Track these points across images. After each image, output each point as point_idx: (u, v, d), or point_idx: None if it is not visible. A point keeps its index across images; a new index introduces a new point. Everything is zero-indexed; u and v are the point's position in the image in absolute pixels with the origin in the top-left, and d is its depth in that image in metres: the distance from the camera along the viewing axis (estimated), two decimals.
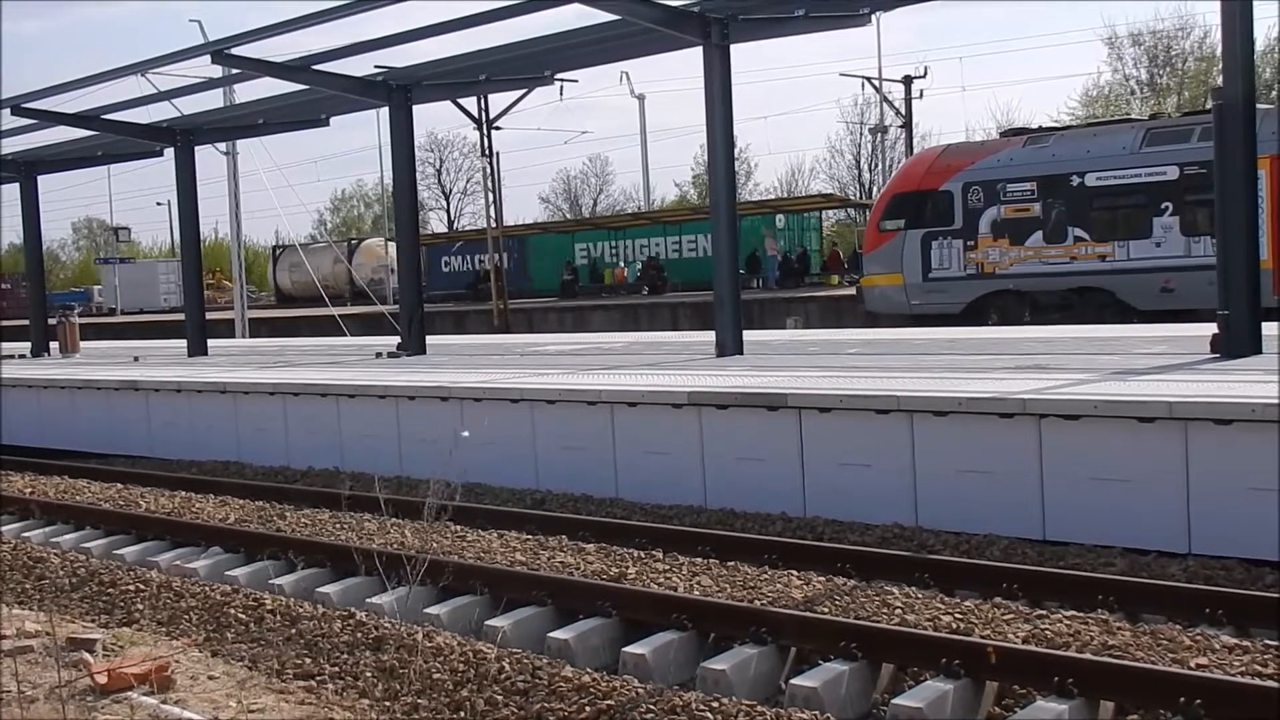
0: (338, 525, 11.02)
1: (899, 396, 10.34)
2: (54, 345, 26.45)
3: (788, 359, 14.83)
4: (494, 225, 40.90)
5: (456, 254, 54.78)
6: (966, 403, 9.93)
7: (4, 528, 12.33)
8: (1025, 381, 10.79)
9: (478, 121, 38.97)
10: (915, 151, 46.55)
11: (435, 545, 9.84)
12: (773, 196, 66.95)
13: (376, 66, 19.00)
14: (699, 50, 15.39)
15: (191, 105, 23.10)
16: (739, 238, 16.39)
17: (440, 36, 16.77)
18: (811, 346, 16.99)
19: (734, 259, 15.92)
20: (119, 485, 14.22)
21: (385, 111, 19.48)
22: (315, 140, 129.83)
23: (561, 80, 25.49)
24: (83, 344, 26.92)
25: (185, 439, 16.78)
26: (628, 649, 7.24)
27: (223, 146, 36.01)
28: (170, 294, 67.14)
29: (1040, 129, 27.48)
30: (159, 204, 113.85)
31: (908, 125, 52.90)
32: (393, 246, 62.71)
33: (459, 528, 10.40)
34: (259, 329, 41.54)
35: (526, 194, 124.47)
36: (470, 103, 37.76)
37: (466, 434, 11.51)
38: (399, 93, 18.94)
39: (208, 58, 18.64)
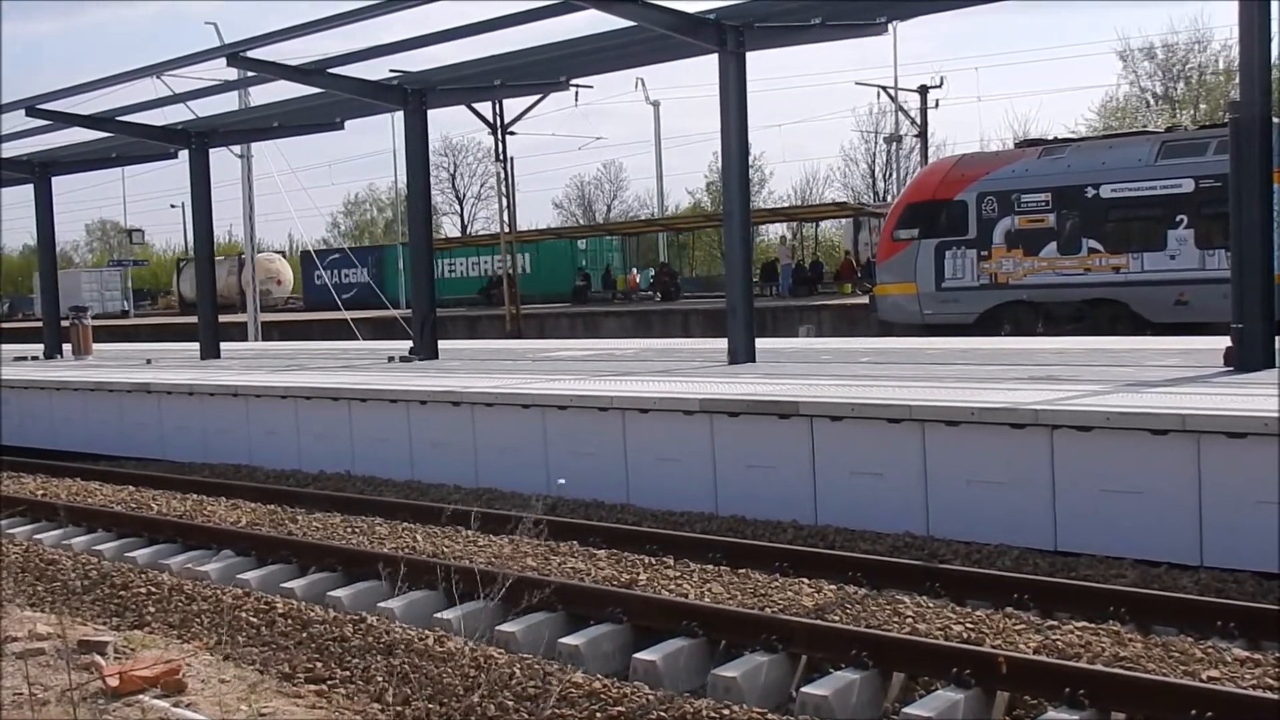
0: (349, 529, 11.04)
1: (911, 406, 10.33)
2: (67, 347, 26.53)
3: (800, 367, 14.82)
4: (507, 230, 40.93)
5: (329, 267, 56.67)
6: (979, 413, 9.92)
7: (16, 529, 12.37)
8: (1038, 392, 10.78)
9: (492, 126, 39.01)
10: (930, 161, 46.52)
11: (446, 550, 9.87)
12: (786, 204, 66.93)
13: (392, 70, 19.06)
14: (715, 57, 15.41)
15: (206, 108, 23.19)
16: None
17: (456, 41, 16.81)
18: (824, 355, 16.97)
19: (747, 267, 15.95)
20: (131, 488, 14.26)
21: (400, 116, 19.53)
22: (329, 144, 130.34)
23: (576, 86, 25.57)
24: (95, 346, 26.98)
25: (197, 442, 16.82)
26: (638, 655, 7.24)
27: (237, 149, 36.08)
28: (93, 302, 69.37)
29: (1056, 140, 27.43)
30: (173, 206, 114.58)
31: (923, 135, 52.94)
32: (279, 259, 67.69)
33: (470, 532, 10.41)
34: (270, 333, 41.64)
35: (540, 199, 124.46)
36: (485, 108, 37.80)
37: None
38: (414, 97, 18.98)
39: (223, 60, 18.67)
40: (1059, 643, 6.89)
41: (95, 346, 26.85)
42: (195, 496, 13.34)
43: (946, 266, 25.99)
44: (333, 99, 19.81)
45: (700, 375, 14.27)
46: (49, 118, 21.88)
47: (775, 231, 59.76)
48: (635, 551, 9.61)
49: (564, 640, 7.61)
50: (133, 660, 6.84)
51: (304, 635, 7.73)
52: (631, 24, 15.47)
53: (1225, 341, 12.13)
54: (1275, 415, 8.57)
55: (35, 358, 26.41)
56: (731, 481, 11.43)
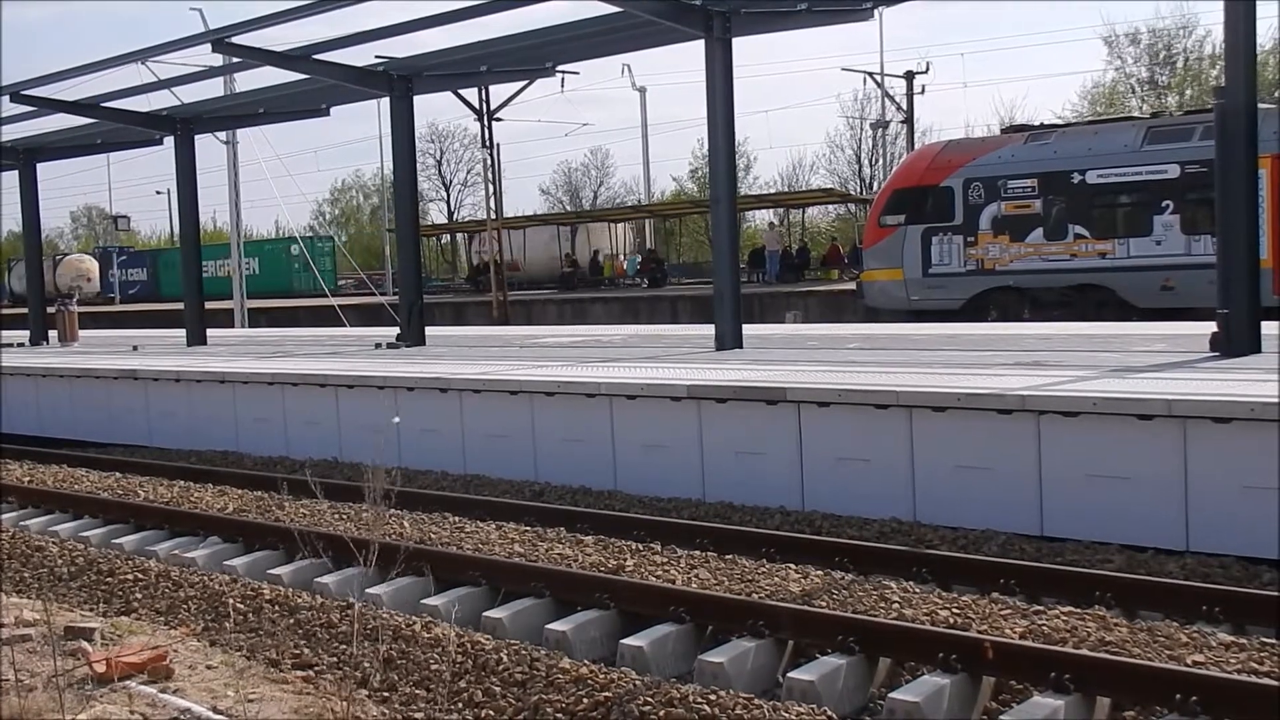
0: (336, 516, 11.03)
1: (898, 392, 10.34)
2: (53, 334, 26.45)
3: (787, 353, 14.83)
4: (494, 217, 40.87)
5: (120, 267, 57.97)
6: (965, 398, 9.93)
7: (3, 516, 12.33)
8: (1024, 378, 10.80)
9: (479, 112, 38.90)
10: (916, 147, 46.51)
11: (433, 536, 9.87)
12: (773, 191, 66.88)
13: (377, 56, 18.98)
14: (701, 43, 15.38)
15: (192, 94, 23.15)
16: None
17: (442, 27, 16.77)
18: (811, 341, 16.99)
19: (735, 253, 15.93)
20: (117, 474, 14.23)
21: (386, 102, 19.47)
22: (315, 130, 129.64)
23: (563, 72, 25.50)
24: (81, 332, 26.90)
25: (184, 428, 16.78)
26: (626, 641, 7.24)
27: (223, 135, 35.97)
28: None
29: (1042, 126, 27.46)
30: (158, 193, 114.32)
31: (909, 121, 52.90)
32: (89, 259, 73.05)
33: (457, 519, 10.41)
34: (258, 319, 41.57)
35: (528, 185, 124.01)
36: (471, 94, 37.71)
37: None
38: (400, 83, 18.93)
39: (208, 46, 18.62)
40: (1045, 628, 6.91)
41: (81, 333, 26.77)
42: (182, 483, 13.30)
43: (933, 252, 26.00)
44: (318, 85, 19.75)
45: (688, 361, 14.27)
46: (34, 104, 21.78)
47: (762, 217, 59.73)
48: (622, 538, 9.62)
49: (551, 626, 7.62)
50: (119, 646, 6.83)
51: (291, 621, 7.73)
52: (617, 9, 15.44)
53: (1211, 327, 12.16)
54: (1261, 400, 8.59)
55: (21, 344, 26.32)
56: (719, 468, 11.44)
